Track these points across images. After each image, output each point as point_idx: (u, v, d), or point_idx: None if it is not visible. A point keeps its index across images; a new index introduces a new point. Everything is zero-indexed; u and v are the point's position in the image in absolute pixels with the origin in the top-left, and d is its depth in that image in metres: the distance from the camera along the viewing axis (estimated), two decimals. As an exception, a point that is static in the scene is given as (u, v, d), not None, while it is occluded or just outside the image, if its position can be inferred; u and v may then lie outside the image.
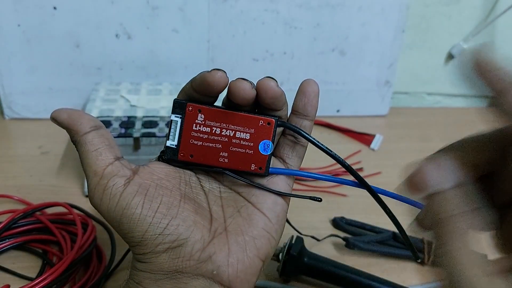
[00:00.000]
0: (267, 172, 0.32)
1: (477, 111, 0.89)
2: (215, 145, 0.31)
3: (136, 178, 0.30)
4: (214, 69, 0.29)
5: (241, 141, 0.31)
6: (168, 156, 0.32)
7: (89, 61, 0.70)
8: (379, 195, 0.32)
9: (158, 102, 0.62)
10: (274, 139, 0.32)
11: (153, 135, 0.55)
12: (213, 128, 0.31)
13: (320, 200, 0.34)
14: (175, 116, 0.31)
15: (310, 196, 0.34)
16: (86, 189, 0.55)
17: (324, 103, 0.80)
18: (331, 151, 0.31)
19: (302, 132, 0.32)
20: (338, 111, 0.80)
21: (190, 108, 0.31)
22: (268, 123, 0.31)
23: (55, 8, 0.66)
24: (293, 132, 0.32)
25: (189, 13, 0.69)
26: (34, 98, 0.72)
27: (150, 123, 0.57)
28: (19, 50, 0.68)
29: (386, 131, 0.76)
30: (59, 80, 0.71)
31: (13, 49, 0.68)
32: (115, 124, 0.56)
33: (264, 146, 0.31)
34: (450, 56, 0.84)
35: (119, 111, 0.59)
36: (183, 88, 0.32)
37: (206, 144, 0.31)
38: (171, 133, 0.32)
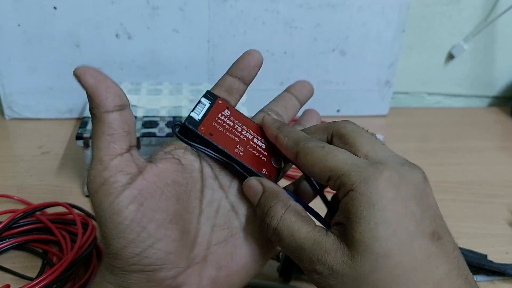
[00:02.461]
0: (275, 182, 0.32)
1: (477, 111, 0.89)
2: (235, 138, 0.31)
3: (139, 179, 0.27)
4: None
5: (257, 147, 0.32)
6: (189, 125, 0.30)
7: (89, 61, 0.70)
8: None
9: (159, 102, 0.62)
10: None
11: (153, 135, 0.55)
12: (235, 124, 0.32)
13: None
14: (205, 100, 0.31)
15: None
16: (86, 189, 0.55)
17: (324, 103, 0.81)
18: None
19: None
20: (338, 111, 0.80)
21: (220, 102, 0.32)
22: None
23: (55, 8, 0.66)
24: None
25: (189, 13, 0.69)
26: (34, 98, 0.72)
27: (150, 123, 0.57)
28: (19, 50, 0.68)
29: (386, 131, 0.76)
30: (59, 80, 0.71)
31: (13, 49, 0.68)
32: (115, 124, 0.56)
33: (276, 160, 0.33)
34: (450, 56, 0.84)
35: (119, 111, 0.59)
36: (217, 82, 0.33)
37: (227, 133, 0.31)
38: (196, 109, 0.31)
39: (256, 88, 0.76)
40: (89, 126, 0.55)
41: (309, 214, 0.29)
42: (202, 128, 0.30)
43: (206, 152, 0.30)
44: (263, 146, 0.32)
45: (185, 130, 0.30)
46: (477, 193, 0.62)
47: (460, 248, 0.49)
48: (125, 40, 0.70)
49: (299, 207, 0.28)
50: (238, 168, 0.31)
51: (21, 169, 0.61)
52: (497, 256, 0.49)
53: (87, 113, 0.58)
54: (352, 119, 0.30)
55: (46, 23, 0.67)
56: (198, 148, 0.30)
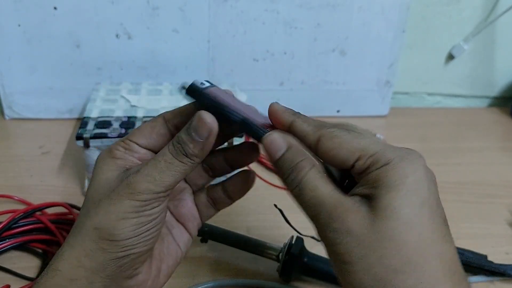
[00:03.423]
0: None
1: (477, 111, 0.89)
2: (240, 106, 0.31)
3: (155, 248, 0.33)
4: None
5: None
6: (196, 84, 0.30)
7: (89, 61, 0.70)
8: None
9: (159, 102, 0.62)
10: None
11: (153, 135, 0.55)
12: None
13: None
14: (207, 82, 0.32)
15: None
16: (86, 189, 0.55)
17: (324, 103, 0.80)
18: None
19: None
20: (338, 111, 0.80)
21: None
22: None
23: (55, 8, 0.66)
24: None
25: (189, 13, 0.69)
26: (34, 98, 0.72)
27: (150, 123, 0.57)
28: (19, 50, 0.68)
29: (386, 132, 0.76)
30: (59, 80, 0.71)
31: (13, 49, 0.68)
32: (115, 124, 0.56)
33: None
34: (450, 56, 0.84)
35: (119, 111, 0.59)
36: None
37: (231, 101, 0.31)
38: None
39: (256, 88, 0.77)
40: (89, 126, 0.55)
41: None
42: (207, 91, 0.31)
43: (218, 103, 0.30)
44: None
45: (193, 91, 0.30)
46: (477, 193, 0.62)
47: (460, 249, 0.49)
48: (125, 40, 0.70)
49: (322, 168, 0.29)
50: (247, 125, 0.30)
51: (21, 169, 0.61)
52: (497, 256, 0.49)
53: (87, 113, 0.58)
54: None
55: (46, 23, 0.67)
56: (209, 102, 0.30)
